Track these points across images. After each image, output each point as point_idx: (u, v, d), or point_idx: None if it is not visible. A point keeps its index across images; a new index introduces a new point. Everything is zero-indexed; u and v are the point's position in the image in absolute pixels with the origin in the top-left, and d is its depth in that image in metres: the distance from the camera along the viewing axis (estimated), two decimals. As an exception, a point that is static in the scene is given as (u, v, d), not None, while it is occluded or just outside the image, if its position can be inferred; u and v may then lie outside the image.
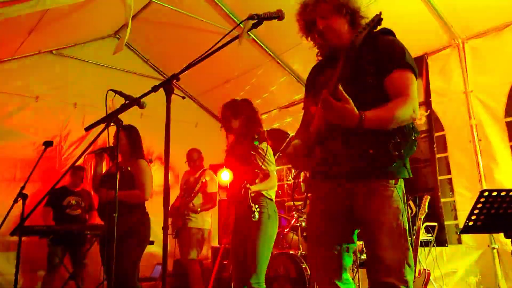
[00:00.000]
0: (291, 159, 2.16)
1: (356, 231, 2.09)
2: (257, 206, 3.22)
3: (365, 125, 1.76)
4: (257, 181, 3.43)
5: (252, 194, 3.31)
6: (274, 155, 3.71)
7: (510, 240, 2.35)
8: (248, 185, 3.28)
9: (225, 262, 5.74)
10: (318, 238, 2.11)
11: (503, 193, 2.20)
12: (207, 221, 5.64)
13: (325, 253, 2.05)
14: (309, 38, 2.19)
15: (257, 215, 3.18)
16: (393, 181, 1.94)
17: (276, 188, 3.62)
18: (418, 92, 5.37)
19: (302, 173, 2.26)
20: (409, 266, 1.87)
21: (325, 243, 2.06)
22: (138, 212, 3.82)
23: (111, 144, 3.63)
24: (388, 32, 2.13)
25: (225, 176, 5.84)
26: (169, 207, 5.61)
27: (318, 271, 2.11)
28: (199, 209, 5.46)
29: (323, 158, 2.04)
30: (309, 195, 2.22)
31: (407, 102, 1.89)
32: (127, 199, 3.72)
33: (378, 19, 1.74)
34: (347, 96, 1.73)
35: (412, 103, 1.91)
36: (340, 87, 1.72)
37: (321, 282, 2.08)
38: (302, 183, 2.24)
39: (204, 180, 5.52)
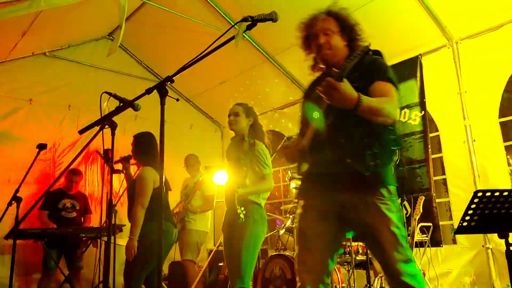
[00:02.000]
0: (287, 152, 2.32)
1: (348, 234, 2.30)
2: (243, 208, 3.21)
3: (362, 105, 1.88)
4: (247, 182, 3.42)
5: (240, 198, 3.30)
6: (271, 157, 3.71)
7: (504, 240, 2.36)
8: (237, 188, 3.29)
9: (220, 264, 5.73)
10: (309, 242, 2.21)
11: (496, 194, 2.21)
12: (206, 224, 5.65)
13: (314, 256, 2.17)
14: (306, 51, 2.41)
15: (242, 216, 3.17)
16: (386, 190, 2.09)
17: (269, 192, 3.61)
18: (413, 93, 5.40)
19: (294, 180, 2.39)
20: (413, 261, 2.05)
21: (315, 247, 2.18)
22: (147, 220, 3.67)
23: (106, 147, 3.57)
24: (376, 53, 2.29)
25: (219, 177, 5.84)
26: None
27: (304, 273, 2.19)
28: (198, 210, 5.49)
29: (313, 167, 2.23)
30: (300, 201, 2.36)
31: (393, 101, 2.05)
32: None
33: (367, 50, 1.91)
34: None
35: (396, 104, 2.07)
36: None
37: (305, 283, 2.17)
38: (293, 189, 2.33)
39: (200, 179, 5.53)
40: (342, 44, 2.28)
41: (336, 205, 2.13)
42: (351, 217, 2.12)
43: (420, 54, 5.19)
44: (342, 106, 1.89)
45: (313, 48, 2.32)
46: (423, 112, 5.08)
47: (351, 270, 4.66)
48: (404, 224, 4.55)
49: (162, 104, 1.89)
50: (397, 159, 2.13)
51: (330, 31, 2.25)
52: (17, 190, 3.71)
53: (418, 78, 5.16)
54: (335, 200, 2.13)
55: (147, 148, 3.91)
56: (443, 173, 4.96)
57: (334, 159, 2.10)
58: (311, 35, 2.31)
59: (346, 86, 1.84)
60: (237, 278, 3.32)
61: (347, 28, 2.29)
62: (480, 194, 2.20)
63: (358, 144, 2.04)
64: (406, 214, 4.87)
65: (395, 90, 2.12)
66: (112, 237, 4.23)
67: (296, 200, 2.41)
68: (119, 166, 4.35)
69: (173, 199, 5.74)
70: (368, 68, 2.13)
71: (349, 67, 1.82)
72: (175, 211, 5.66)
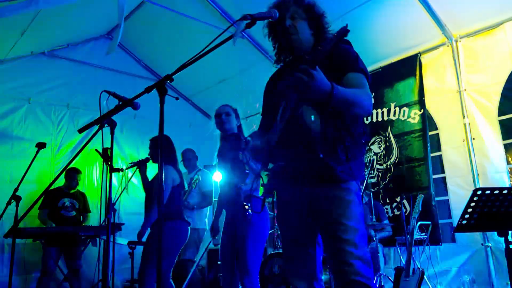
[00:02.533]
0: (255, 153, 2.19)
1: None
2: (250, 205, 3.22)
3: (335, 96, 1.74)
4: (247, 181, 3.43)
5: (244, 194, 3.31)
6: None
7: (503, 238, 2.36)
8: (240, 185, 3.29)
9: (219, 263, 5.72)
10: (291, 245, 2.14)
11: (496, 192, 2.21)
12: (203, 221, 5.63)
13: (300, 258, 2.10)
14: (270, 38, 2.28)
15: (250, 211, 3.18)
16: (347, 182, 1.98)
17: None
18: (412, 91, 5.39)
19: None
20: (369, 264, 1.92)
21: (299, 249, 2.10)
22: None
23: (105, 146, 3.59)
24: (345, 42, 2.14)
25: (219, 176, 5.83)
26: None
27: (295, 278, 2.12)
28: (194, 207, 5.46)
29: (283, 162, 2.09)
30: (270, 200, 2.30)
31: (367, 93, 1.96)
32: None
33: (345, 30, 1.71)
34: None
35: (370, 96, 1.96)
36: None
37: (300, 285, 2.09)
38: (261, 186, 2.21)
39: (197, 177, 5.51)
40: (309, 33, 2.14)
41: (305, 199, 2.04)
42: (317, 211, 2.01)
43: (419, 52, 5.19)
44: (316, 97, 1.74)
45: (278, 33, 2.18)
46: (422, 110, 5.09)
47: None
48: (403, 221, 4.56)
49: (162, 102, 1.89)
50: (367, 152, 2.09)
51: (297, 14, 2.11)
52: (16, 189, 3.72)
53: (417, 77, 5.16)
54: (305, 194, 2.04)
55: (165, 149, 4.10)
56: (443, 172, 4.96)
57: (305, 153, 1.99)
58: (277, 18, 2.10)
59: (320, 75, 1.69)
60: (246, 275, 3.32)
61: (315, 17, 2.15)
62: (479, 192, 2.20)
63: (330, 137, 1.95)
64: (405, 212, 4.88)
65: (367, 82, 2.01)
66: (112, 236, 4.23)
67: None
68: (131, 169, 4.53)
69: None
70: (339, 58, 2.01)
71: (324, 52, 1.68)
72: None
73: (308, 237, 2.11)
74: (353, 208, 1.95)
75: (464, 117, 4.74)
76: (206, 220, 5.67)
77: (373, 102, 5.57)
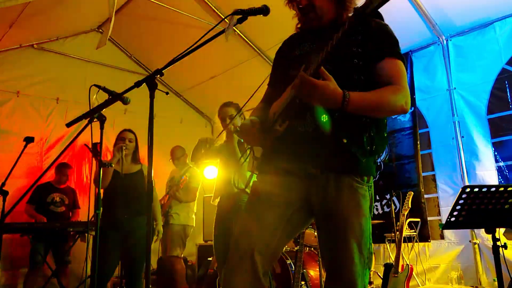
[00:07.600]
0: (245, 132, 1.87)
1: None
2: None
3: (349, 106, 1.54)
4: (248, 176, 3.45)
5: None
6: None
7: (491, 235, 2.39)
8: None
9: (209, 259, 5.71)
10: (264, 212, 1.77)
11: (484, 189, 2.23)
12: (191, 218, 5.58)
13: (264, 231, 1.74)
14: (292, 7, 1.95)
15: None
16: (366, 178, 1.75)
17: None
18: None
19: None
20: (365, 267, 1.69)
21: (270, 224, 1.75)
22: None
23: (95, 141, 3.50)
24: (379, 16, 1.91)
25: (209, 172, 5.80)
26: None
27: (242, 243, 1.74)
28: (183, 199, 5.40)
29: (284, 136, 1.79)
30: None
31: (401, 91, 1.70)
32: None
33: (364, 10, 1.50)
34: (329, 75, 1.52)
35: (406, 94, 1.71)
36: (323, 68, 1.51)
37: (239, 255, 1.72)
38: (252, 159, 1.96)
39: (185, 176, 5.47)
40: (329, 3, 1.83)
41: (304, 182, 1.74)
42: (316, 200, 1.73)
43: (410, 51, 5.21)
44: (324, 106, 1.56)
45: (294, 8, 1.90)
46: (412, 108, 5.11)
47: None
48: (393, 218, 4.59)
49: (151, 97, 1.88)
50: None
51: None
52: (3, 184, 3.67)
53: (408, 75, 5.19)
54: (305, 176, 1.74)
55: None
56: (432, 169, 5.00)
57: (320, 133, 1.69)
58: None
59: (328, 84, 1.48)
60: None
61: None
62: (468, 189, 2.22)
63: (355, 122, 1.66)
64: (395, 209, 4.90)
65: (405, 71, 1.79)
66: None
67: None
68: None
69: (161, 191, 5.68)
70: (376, 36, 1.78)
71: (333, 45, 1.46)
72: (161, 203, 5.59)
73: (287, 224, 1.77)
74: (362, 201, 1.70)
75: (453, 115, 4.78)
76: (194, 216, 5.62)
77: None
